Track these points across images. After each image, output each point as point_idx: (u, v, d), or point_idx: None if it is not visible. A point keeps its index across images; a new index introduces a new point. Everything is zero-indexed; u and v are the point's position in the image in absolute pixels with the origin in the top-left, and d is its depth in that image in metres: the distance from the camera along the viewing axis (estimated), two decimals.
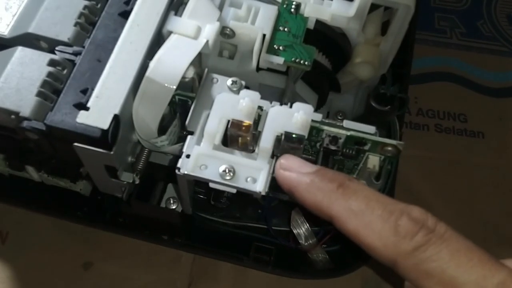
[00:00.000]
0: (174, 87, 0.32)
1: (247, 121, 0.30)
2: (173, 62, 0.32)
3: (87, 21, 0.34)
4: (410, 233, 0.24)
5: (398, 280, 0.42)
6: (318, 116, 0.31)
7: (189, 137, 0.31)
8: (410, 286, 0.27)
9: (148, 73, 0.32)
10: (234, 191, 0.30)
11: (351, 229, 0.25)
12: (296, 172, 0.27)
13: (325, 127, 0.31)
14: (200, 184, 0.34)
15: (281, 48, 0.35)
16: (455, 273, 0.23)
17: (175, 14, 0.34)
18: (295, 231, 0.39)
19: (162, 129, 0.33)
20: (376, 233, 0.25)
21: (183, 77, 0.32)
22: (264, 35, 0.35)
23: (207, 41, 0.33)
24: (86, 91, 0.31)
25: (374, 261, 0.40)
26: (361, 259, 0.40)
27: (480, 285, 0.23)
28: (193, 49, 0.33)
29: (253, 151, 0.31)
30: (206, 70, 0.34)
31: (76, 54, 0.33)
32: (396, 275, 0.42)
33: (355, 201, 0.25)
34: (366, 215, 0.25)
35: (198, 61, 0.36)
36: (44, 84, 0.31)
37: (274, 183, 0.37)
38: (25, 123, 0.30)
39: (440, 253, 0.23)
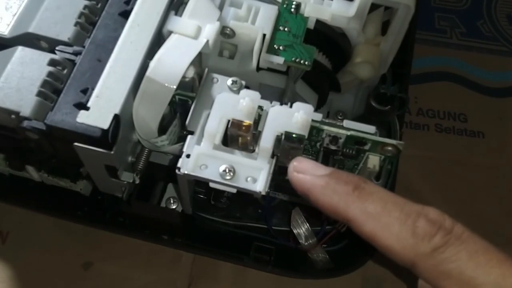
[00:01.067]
0: (174, 87, 0.32)
1: (247, 121, 0.30)
2: (173, 62, 0.32)
3: (87, 21, 0.34)
4: (428, 234, 0.24)
5: (399, 279, 0.42)
6: (318, 116, 0.31)
7: (189, 137, 0.31)
8: (422, 286, 0.27)
9: (148, 72, 0.32)
10: (234, 191, 0.30)
11: (368, 232, 0.25)
12: (310, 174, 0.27)
13: (325, 127, 0.31)
14: (200, 184, 0.34)
15: (281, 48, 0.35)
16: (474, 274, 0.23)
17: (175, 14, 0.34)
18: (295, 231, 0.39)
19: (162, 129, 0.33)
20: (394, 235, 0.25)
21: (183, 77, 0.32)
22: (264, 35, 0.35)
23: (207, 41, 0.33)
24: (86, 91, 0.31)
25: (375, 261, 0.40)
26: (362, 259, 0.40)
27: (499, 284, 0.23)
28: (193, 49, 0.33)
29: (253, 151, 0.31)
30: (206, 70, 0.34)
31: (76, 54, 0.33)
32: (399, 275, 0.42)
33: (372, 203, 0.25)
34: (383, 217, 0.25)
35: (198, 61, 0.36)
36: (45, 83, 0.31)
37: (274, 183, 0.37)
38: (25, 123, 0.30)
39: (458, 254, 0.24)
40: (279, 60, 0.35)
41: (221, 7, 0.35)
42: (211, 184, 0.30)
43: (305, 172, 0.27)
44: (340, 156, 0.33)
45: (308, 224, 0.39)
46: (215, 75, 0.33)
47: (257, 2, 0.36)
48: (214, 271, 0.42)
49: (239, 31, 0.35)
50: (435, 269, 0.24)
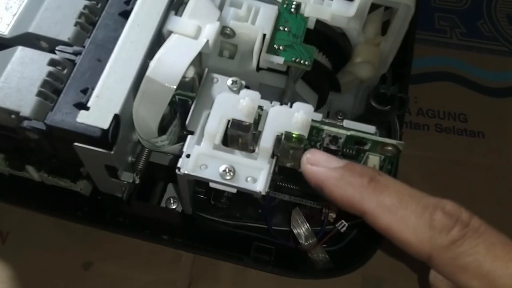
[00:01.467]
0: (174, 86, 0.32)
1: (247, 121, 0.30)
2: (173, 62, 0.32)
3: (87, 21, 0.34)
4: (446, 227, 0.24)
5: (399, 279, 0.42)
6: (318, 116, 0.31)
7: (189, 136, 0.31)
8: (435, 277, 0.27)
9: (148, 72, 0.32)
10: (234, 191, 0.30)
11: (384, 225, 0.25)
12: (324, 166, 0.27)
13: (325, 127, 0.31)
14: (200, 184, 0.34)
15: (281, 48, 0.35)
16: (492, 267, 0.23)
17: (175, 14, 0.34)
18: (295, 231, 0.39)
19: (162, 129, 0.33)
20: (411, 228, 0.24)
21: (183, 77, 0.32)
22: (264, 35, 0.35)
23: (207, 41, 0.33)
24: (87, 91, 0.31)
25: (375, 261, 0.40)
26: (362, 259, 0.40)
27: None
28: (193, 49, 0.33)
29: (253, 151, 0.31)
30: (206, 70, 0.34)
31: (77, 53, 0.33)
32: (399, 275, 0.42)
33: (388, 196, 0.25)
34: (399, 210, 0.25)
35: (198, 61, 0.36)
36: (45, 83, 0.31)
37: (274, 183, 0.37)
38: (25, 123, 0.30)
39: (476, 247, 0.24)
40: (279, 60, 0.35)
41: (221, 7, 0.35)
42: (211, 184, 0.30)
43: (319, 164, 0.27)
44: (340, 156, 0.33)
45: (308, 224, 0.39)
46: (215, 75, 0.33)
47: (257, 2, 0.36)
48: (214, 271, 0.42)
49: (239, 31, 0.35)
50: (452, 262, 0.24)
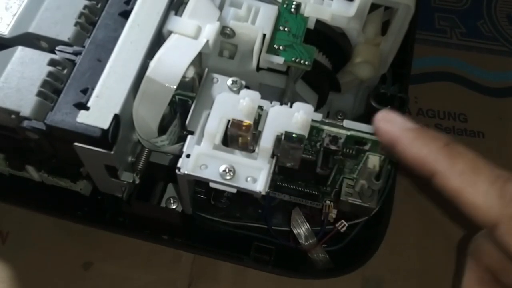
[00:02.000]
0: (174, 86, 0.32)
1: (247, 121, 0.30)
2: (173, 62, 0.32)
3: (87, 21, 0.34)
4: None
5: (399, 279, 0.42)
6: (318, 116, 0.31)
7: (189, 136, 0.31)
8: (477, 248, 0.27)
9: (148, 72, 0.32)
10: (234, 191, 0.30)
11: (455, 187, 0.25)
12: (399, 125, 0.27)
13: (325, 127, 0.31)
14: (200, 184, 0.34)
15: (281, 48, 0.35)
16: None
17: (175, 14, 0.34)
18: (295, 231, 0.39)
19: (162, 129, 0.33)
20: (481, 193, 0.24)
21: (183, 77, 0.32)
22: (264, 35, 0.35)
23: (207, 41, 0.33)
24: (87, 91, 0.31)
25: (375, 261, 0.40)
26: (362, 259, 0.40)
27: None
28: (193, 49, 0.33)
29: (253, 151, 0.31)
30: (206, 70, 0.34)
31: (77, 53, 0.33)
32: (399, 275, 0.42)
33: (462, 162, 0.25)
34: (472, 175, 0.25)
35: (198, 61, 0.36)
36: (45, 83, 0.31)
37: (274, 183, 0.37)
38: (25, 123, 0.30)
39: None
40: (279, 60, 0.35)
41: (221, 7, 0.35)
42: (211, 184, 0.30)
43: (393, 122, 0.27)
44: (340, 156, 0.33)
45: (308, 224, 0.39)
46: (215, 75, 0.33)
47: (257, 2, 0.36)
48: (214, 271, 0.42)
49: (239, 31, 0.35)
50: None
